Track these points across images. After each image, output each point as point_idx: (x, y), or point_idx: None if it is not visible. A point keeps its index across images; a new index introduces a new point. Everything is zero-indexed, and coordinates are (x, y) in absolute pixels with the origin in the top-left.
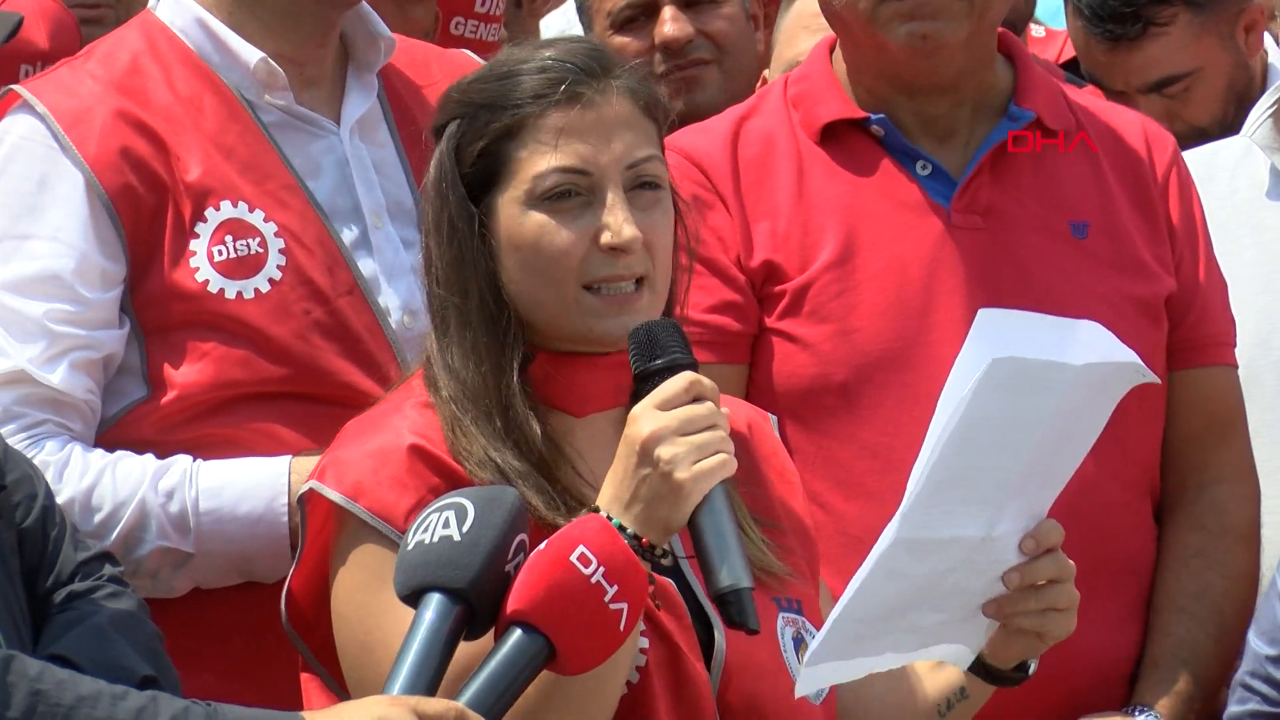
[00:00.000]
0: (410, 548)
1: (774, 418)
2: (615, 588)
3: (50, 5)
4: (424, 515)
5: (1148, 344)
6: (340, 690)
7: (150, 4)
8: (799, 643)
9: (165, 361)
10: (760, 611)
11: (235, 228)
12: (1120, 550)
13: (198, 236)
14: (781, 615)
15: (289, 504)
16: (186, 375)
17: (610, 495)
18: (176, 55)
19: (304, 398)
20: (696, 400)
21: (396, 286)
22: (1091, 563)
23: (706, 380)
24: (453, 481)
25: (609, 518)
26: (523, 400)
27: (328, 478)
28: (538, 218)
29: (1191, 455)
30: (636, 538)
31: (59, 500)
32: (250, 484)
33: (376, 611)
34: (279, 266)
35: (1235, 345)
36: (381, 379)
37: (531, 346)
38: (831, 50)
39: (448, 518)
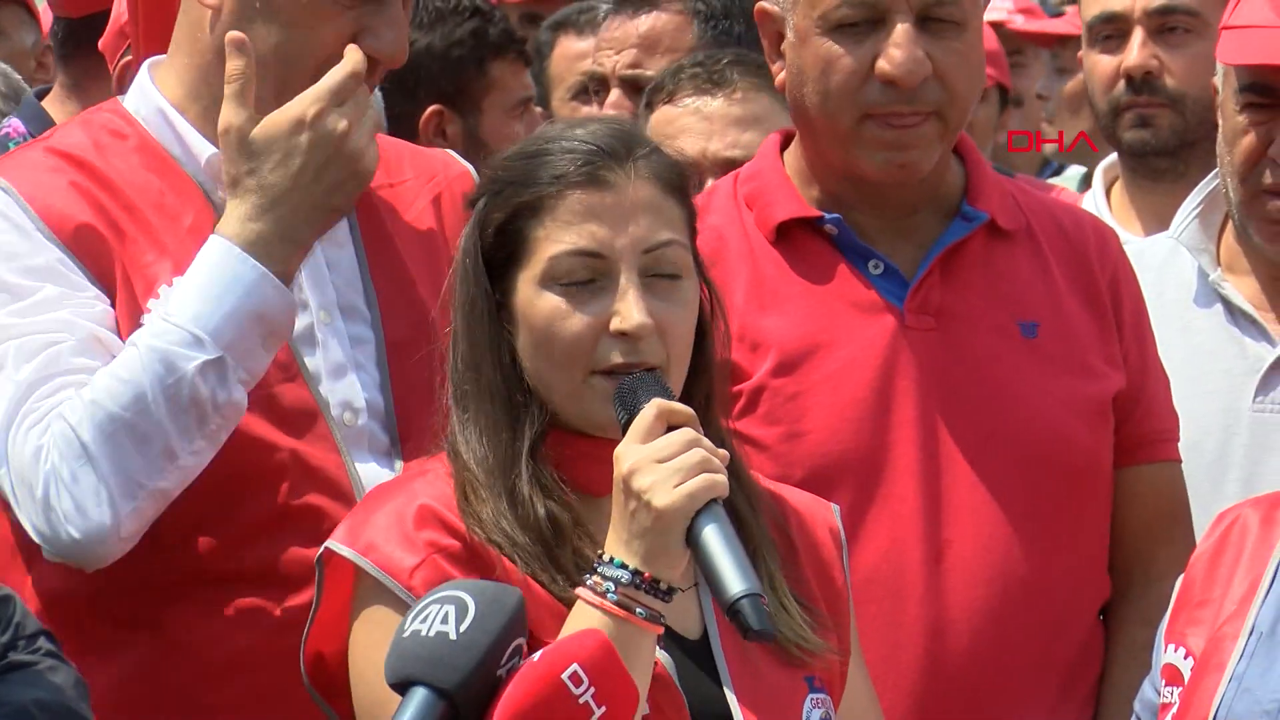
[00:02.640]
0: (406, 635)
1: (836, 507)
2: (604, 709)
3: None
4: (424, 603)
5: (1098, 443)
6: None
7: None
8: None
9: None
10: (790, 690)
11: None
12: (1067, 648)
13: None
14: (811, 696)
15: (244, 251)
16: None
17: (613, 539)
18: (138, 141)
19: None
20: (672, 429)
21: (339, 383)
22: (1039, 661)
23: (679, 406)
24: (458, 537)
25: (611, 559)
26: (530, 481)
27: (343, 536)
28: (551, 300)
29: (1139, 550)
30: (638, 573)
31: (86, 431)
32: (204, 268)
33: None
34: None
35: (1179, 440)
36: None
37: (550, 425)
38: (782, 149)
39: (447, 612)
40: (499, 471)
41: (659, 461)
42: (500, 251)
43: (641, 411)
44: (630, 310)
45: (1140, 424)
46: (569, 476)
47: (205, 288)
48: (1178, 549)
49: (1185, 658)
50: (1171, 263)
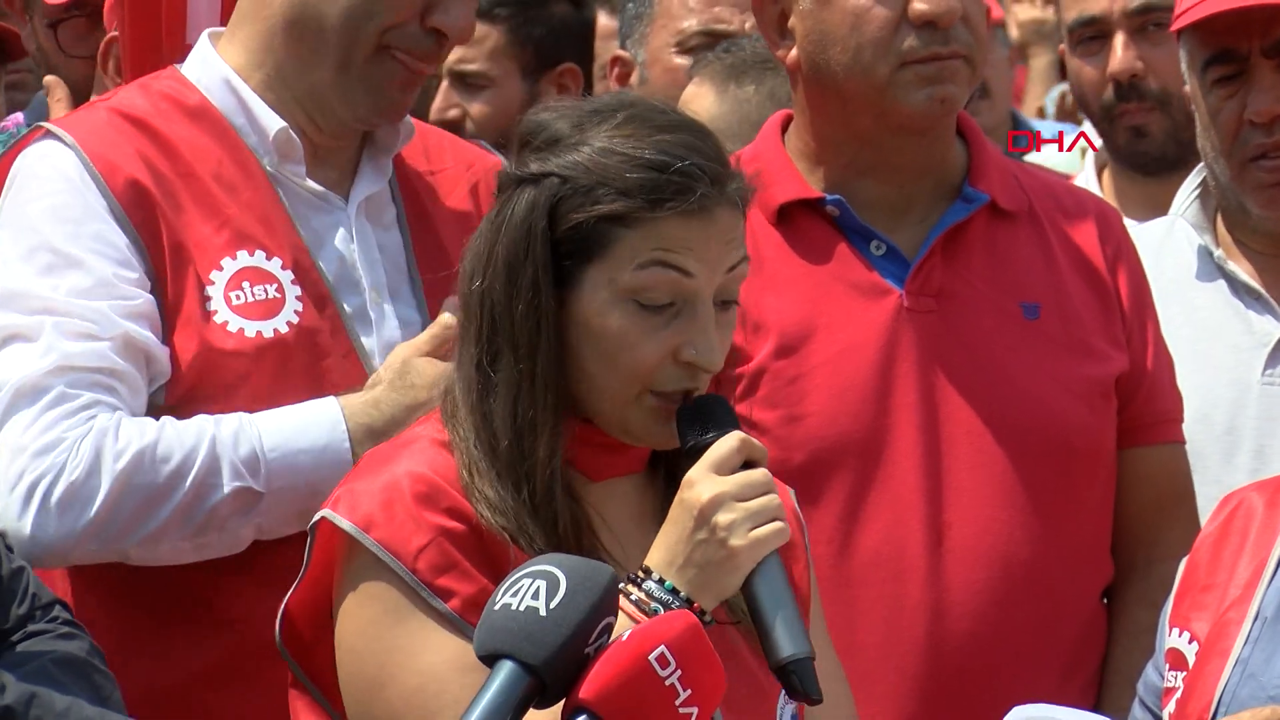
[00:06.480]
0: (496, 608)
1: (792, 491)
2: (689, 692)
3: None
4: (516, 575)
5: (1100, 424)
6: (331, 709)
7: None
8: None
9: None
10: (769, 683)
11: (253, 275)
12: (1070, 630)
13: (213, 283)
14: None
15: (348, 433)
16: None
17: (662, 559)
18: (198, 110)
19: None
20: (748, 463)
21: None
22: (1041, 643)
23: (756, 443)
24: (465, 520)
25: (660, 580)
26: (561, 485)
27: (341, 507)
28: (624, 316)
29: (1142, 532)
30: (688, 601)
31: (121, 462)
32: (306, 419)
33: (388, 648)
34: (296, 311)
35: (1183, 421)
36: None
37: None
38: (783, 130)
39: (538, 587)
40: (526, 467)
41: (738, 500)
42: (572, 243)
43: (722, 441)
44: (711, 349)
45: (1144, 405)
46: (569, 457)
47: (299, 435)
48: (1181, 531)
49: (1190, 642)
50: (1168, 243)
